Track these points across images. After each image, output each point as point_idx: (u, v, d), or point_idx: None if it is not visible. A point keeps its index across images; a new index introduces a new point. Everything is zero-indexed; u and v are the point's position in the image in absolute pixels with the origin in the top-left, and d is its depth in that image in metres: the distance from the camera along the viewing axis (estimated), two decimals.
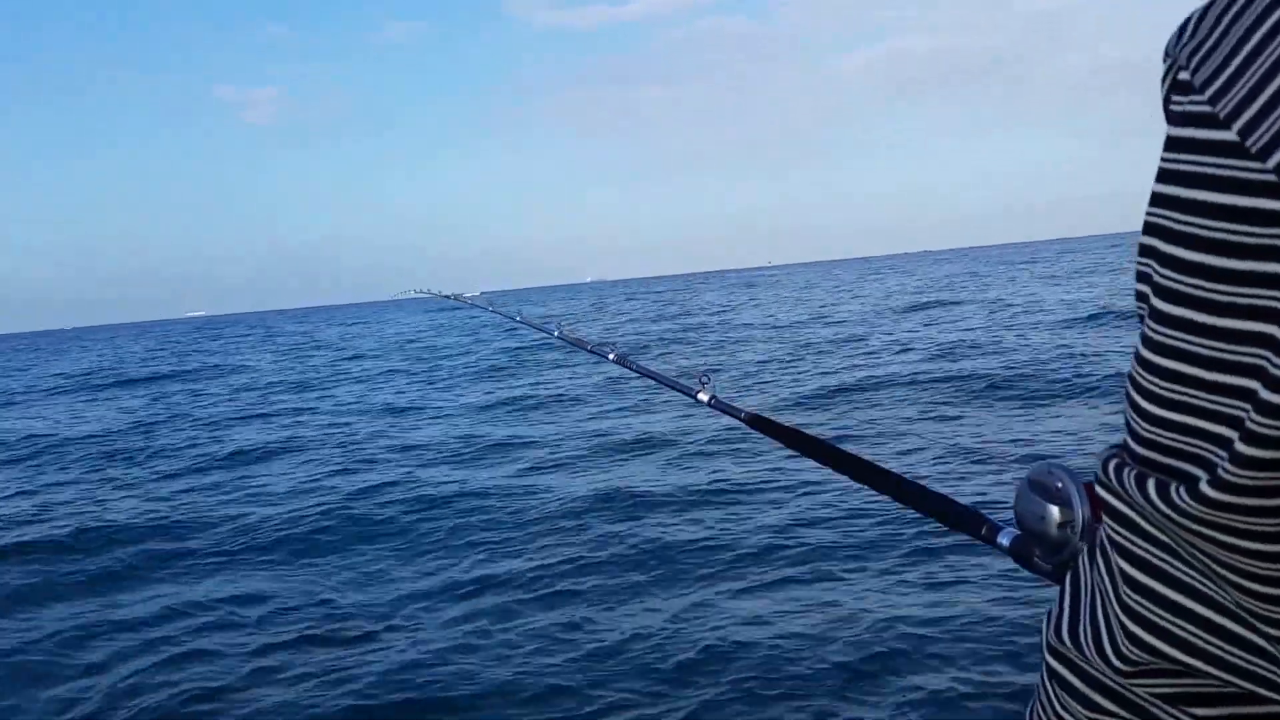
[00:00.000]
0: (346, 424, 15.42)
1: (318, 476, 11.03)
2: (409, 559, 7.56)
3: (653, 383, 2.85)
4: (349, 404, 18.40)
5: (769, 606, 5.77)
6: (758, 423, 2.05)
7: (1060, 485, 1.03)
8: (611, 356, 3.38)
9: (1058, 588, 0.64)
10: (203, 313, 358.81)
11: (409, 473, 10.67)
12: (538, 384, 18.61)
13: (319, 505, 9.39)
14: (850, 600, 5.72)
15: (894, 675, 4.72)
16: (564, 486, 9.36)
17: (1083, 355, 14.37)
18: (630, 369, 3.12)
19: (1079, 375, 12.64)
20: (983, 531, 1.22)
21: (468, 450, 11.94)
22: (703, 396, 2.38)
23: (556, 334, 4.43)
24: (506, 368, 22.61)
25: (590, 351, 3.71)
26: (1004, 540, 1.17)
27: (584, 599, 6.22)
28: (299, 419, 16.64)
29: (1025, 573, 1.13)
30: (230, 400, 21.13)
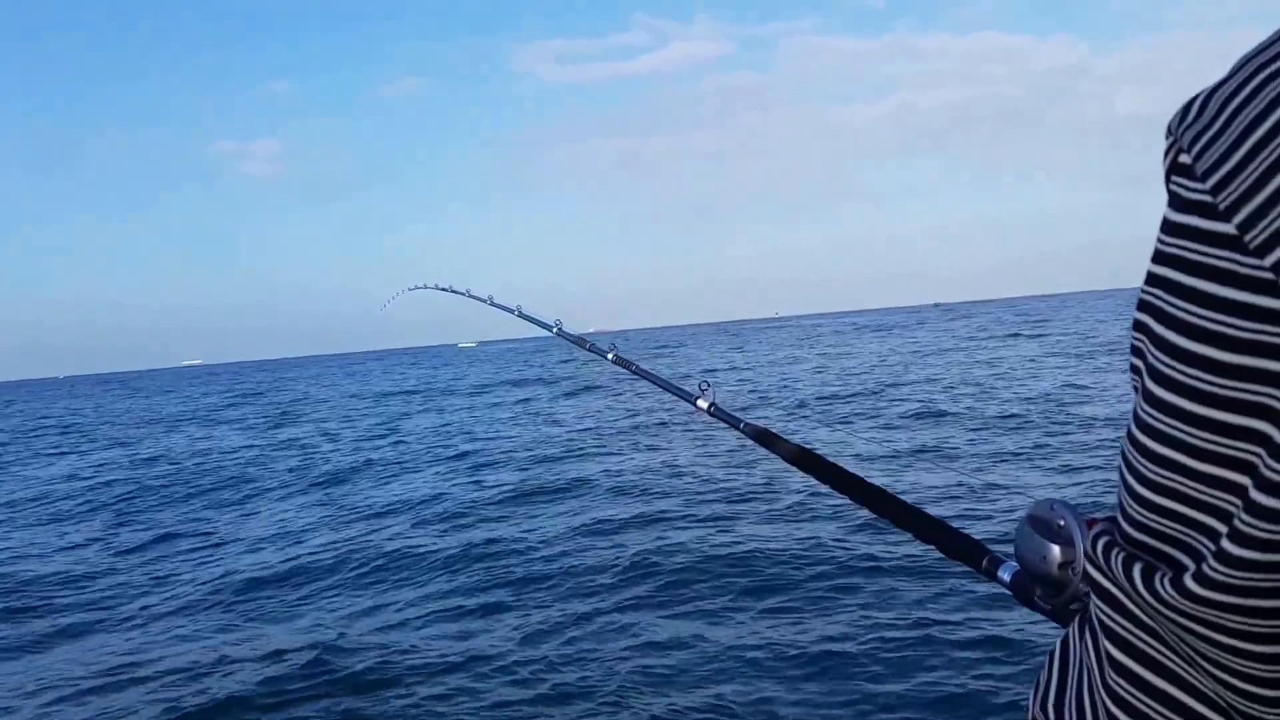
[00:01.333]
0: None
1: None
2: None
3: (651, 385, 2.82)
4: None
5: (750, 630, 5.76)
6: (759, 435, 2.01)
7: (1062, 523, 1.01)
8: (610, 356, 3.36)
9: (1044, 659, 0.63)
10: (199, 361, 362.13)
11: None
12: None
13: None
14: (840, 622, 5.68)
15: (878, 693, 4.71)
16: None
17: None
18: (630, 369, 3.07)
19: None
20: (983, 564, 1.20)
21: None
22: (702, 404, 2.33)
23: (555, 331, 4.41)
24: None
25: (589, 350, 3.68)
26: (1004, 575, 1.14)
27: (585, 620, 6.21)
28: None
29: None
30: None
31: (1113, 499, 0.52)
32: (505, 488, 10.53)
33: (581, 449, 13.24)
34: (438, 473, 12.53)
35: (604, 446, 13.18)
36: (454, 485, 11.25)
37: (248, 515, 10.89)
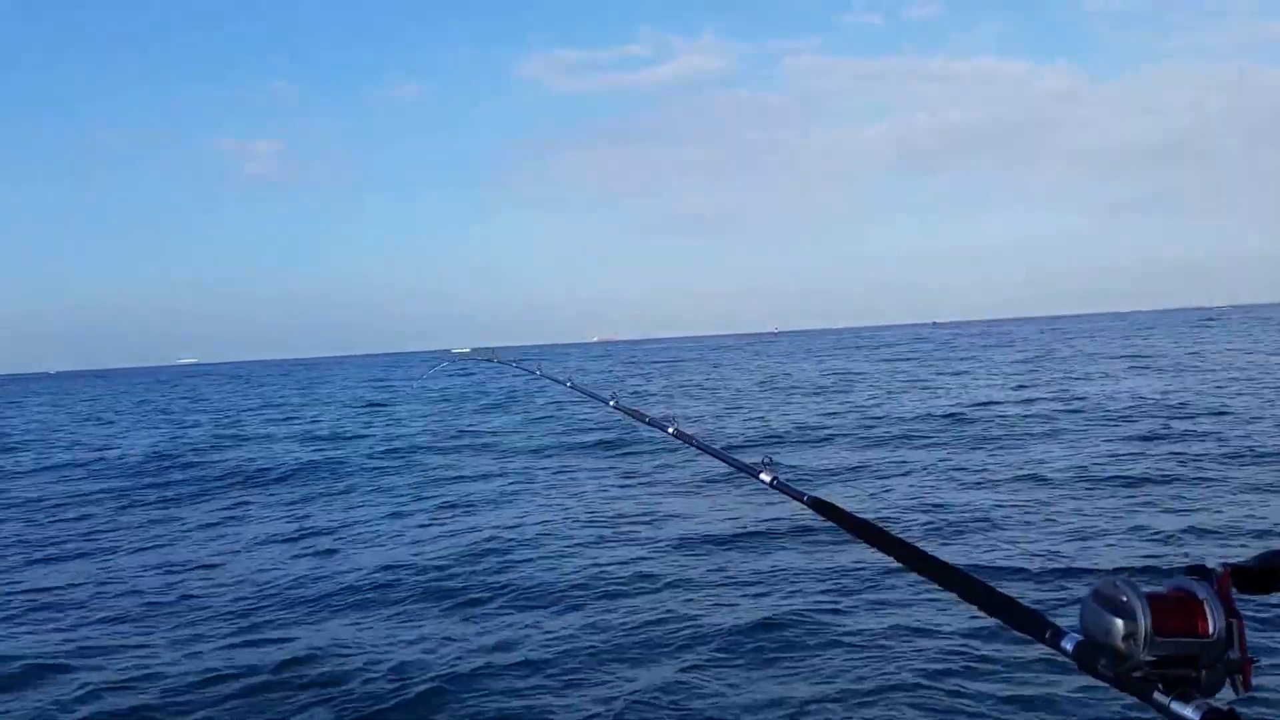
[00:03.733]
0: None
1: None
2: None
3: (712, 459, 2.88)
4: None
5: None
6: (820, 506, 2.08)
7: (1125, 599, 1.14)
8: (671, 430, 3.34)
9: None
10: (194, 359, 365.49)
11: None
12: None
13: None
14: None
15: None
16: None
17: None
18: (691, 444, 3.08)
19: None
20: (1047, 635, 1.29)
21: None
22: (765, 477, 2.42)
23: (612, 404, 4.46)
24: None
25: (648, 423, 3.71)
26: (1068, 645, 1.24)
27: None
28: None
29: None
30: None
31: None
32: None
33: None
34: None
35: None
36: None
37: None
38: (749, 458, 2.62)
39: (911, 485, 12.16)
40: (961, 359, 43.53)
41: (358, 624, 7.66)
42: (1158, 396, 20.18)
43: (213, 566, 10.13)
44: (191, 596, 8.88)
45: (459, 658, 6.64)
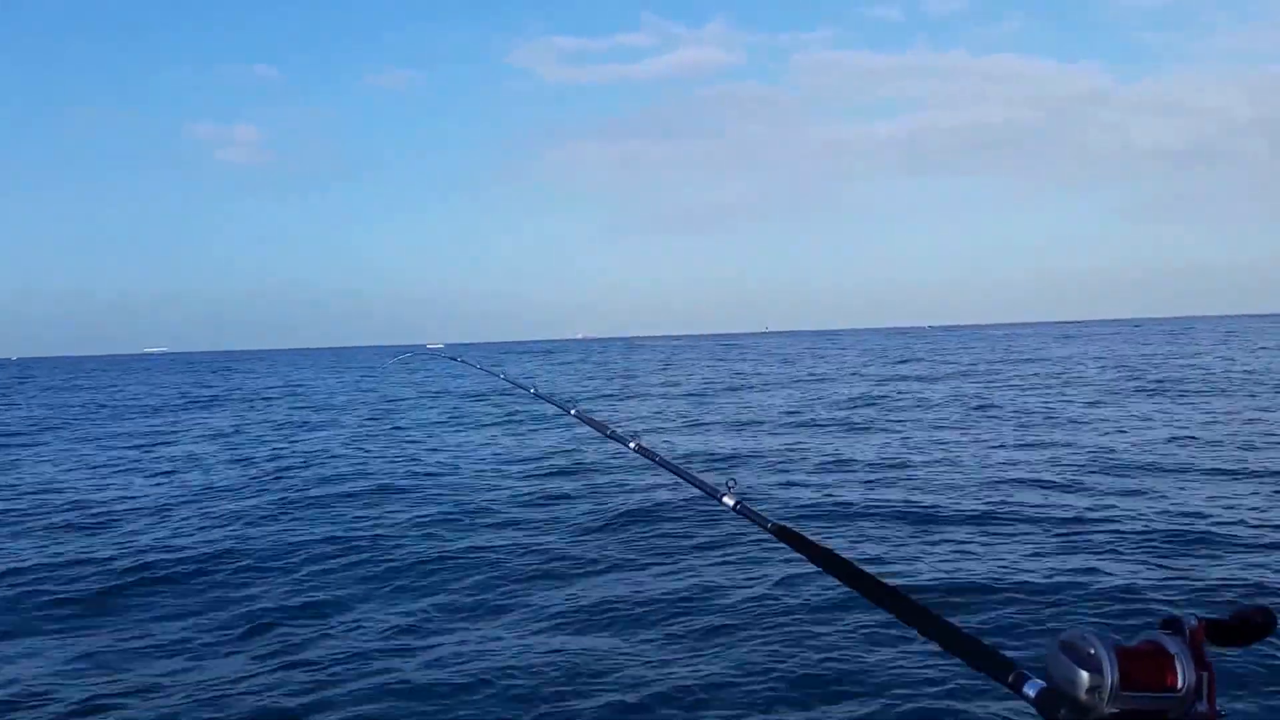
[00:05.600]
0: None
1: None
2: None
3: (674, 476, 2.86)
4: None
5: None
6: (784, 534, 2.05)
7: (1093, 652, 1.13)
8: (633, 445, 3.32)
9: None
10: (163, 349, 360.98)
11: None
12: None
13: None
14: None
15: None
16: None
17: None
18: (653, 460, 3.03)
19: None
20: (1009, 679, 1.28)
21: None
22: (728, 500, 2.38)
23: (573, 413, 4.44)
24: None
25: (609, 437, 3.69)
26: (1030, 691, 1.23)
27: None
28: None
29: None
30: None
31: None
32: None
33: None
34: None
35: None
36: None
37: None
38: (712, 479, 2.59)
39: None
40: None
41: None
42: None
43: None
44: None
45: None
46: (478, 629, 7.25)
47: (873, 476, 13.52)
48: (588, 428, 4.21)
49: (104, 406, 38.46)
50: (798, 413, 23.67)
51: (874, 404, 25.07)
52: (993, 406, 23.23)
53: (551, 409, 4.63)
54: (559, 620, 7.39)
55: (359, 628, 7.33)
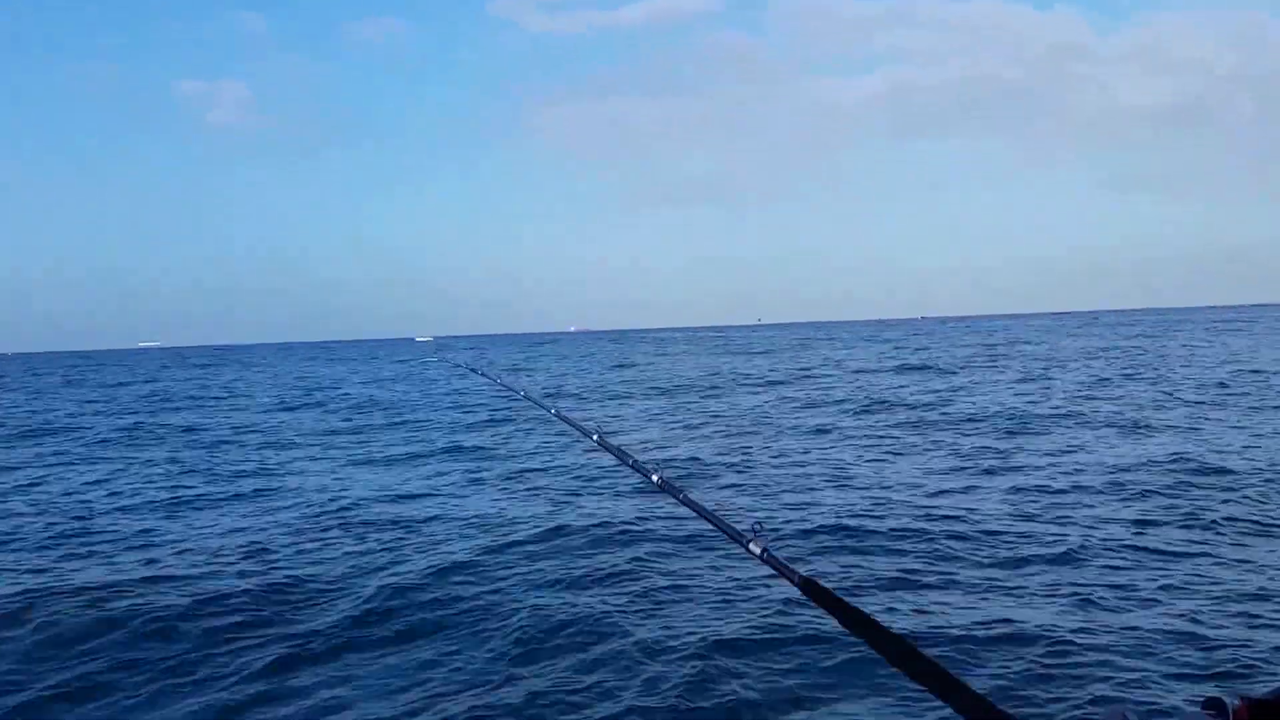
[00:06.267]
0: None
1: None
2: None
3: (698, 517, 2.78)
4: None
5: None
6: (811, 589, 1.96)
7: None
8: (656, 479, 3.17)
9: None
10: (156, 343, 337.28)
11: None
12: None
13: None
14: None
15: None
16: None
17: None
18: (677, 499, 2.91)
19: None
20: None
21: None
22: (754, 548, 2.27)
23: (596, 439, 4.38)
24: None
25: (631, 466, 3.59)
26: None
27: None
28: None
29: None
30: None
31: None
32: None
33: None
34: None
35: None
36: None
37: None
38: (739, 524, 2.52)
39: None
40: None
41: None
42: None
43: None
44: None
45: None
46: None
47: None
48: (609, 455, 4.13)
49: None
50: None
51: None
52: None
53: (573, 432, 4.54)
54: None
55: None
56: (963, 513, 11.00)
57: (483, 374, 7.04)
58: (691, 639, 7.88)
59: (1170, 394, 22.81)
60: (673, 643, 7.69)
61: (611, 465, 3.91)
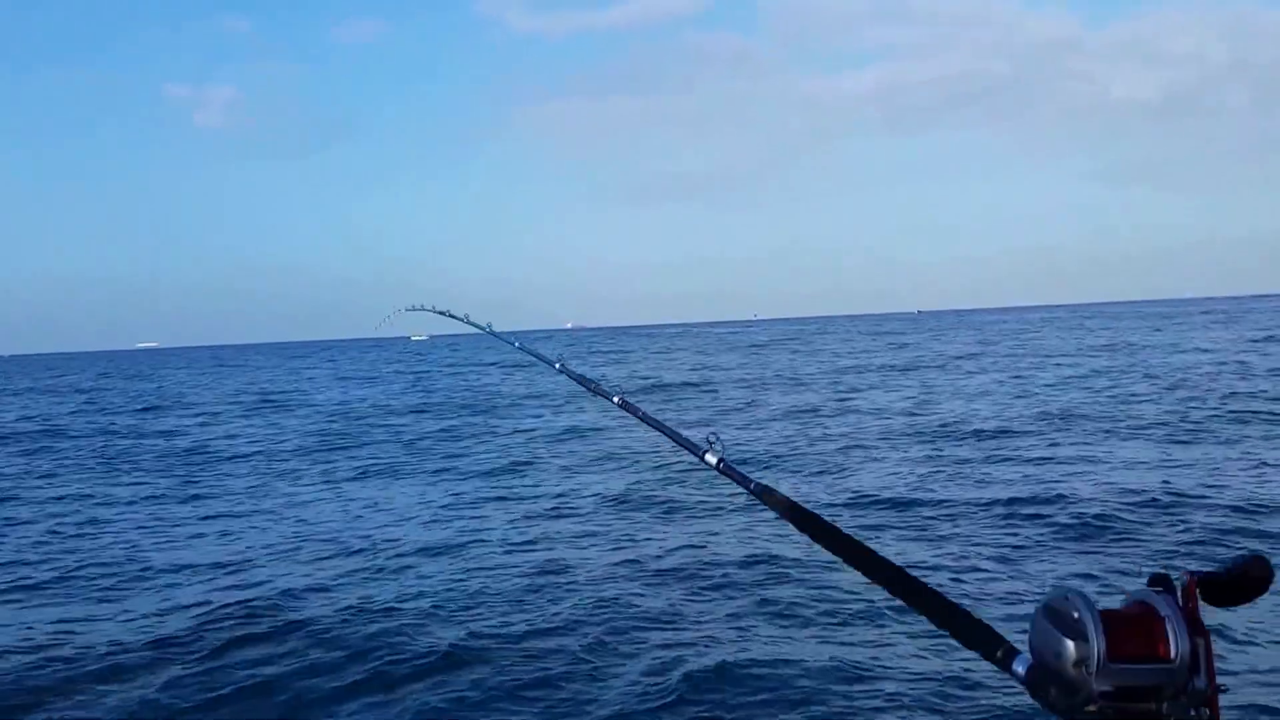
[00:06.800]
0: None
1: None
2: None
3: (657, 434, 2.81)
4: None
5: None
6: (766, 495, 1.98)
7: (1077, 615, 1.01)
8: (617, 400, 3.29)
9: None
10: (154, 344, 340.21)
11: None
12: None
13: None
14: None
15: None
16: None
17: None
18: (636, 416, 2.99)
19: None
20: (998, 654, 1.14)
21: None
22: (710, 458, 2.30)
23: (558, 366, 4.40)
24: None
25: (594, 392, 3.66)
26: (1019, 668, 1.09)
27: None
28: None
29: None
30: None
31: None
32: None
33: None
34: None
35: None
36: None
37: None
38: (695, 436, 2.53)
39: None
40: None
41: None
42: None
43: None
44: None
45: None
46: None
47: None
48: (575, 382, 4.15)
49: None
50: None
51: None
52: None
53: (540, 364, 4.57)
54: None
55: None
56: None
57: (450, 314, 7.01)
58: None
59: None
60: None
61: (578, 391, 3.89)
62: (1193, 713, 0.99)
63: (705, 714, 5.41)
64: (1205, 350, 33.25)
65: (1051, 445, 14.42)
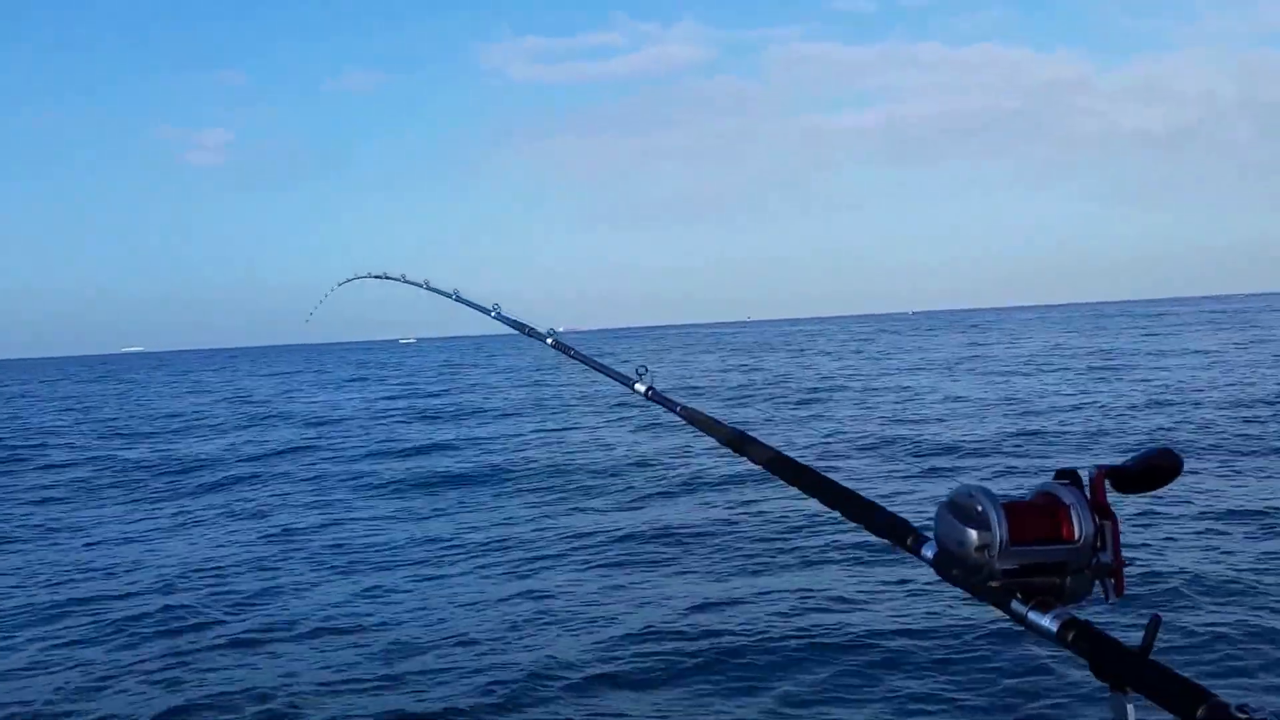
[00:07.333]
0: None
1: None
2: None
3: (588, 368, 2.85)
4: None
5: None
6: (692, 417, 2.08)
7: (980, 509, 1.09)
8: (550, 341, 3.42)
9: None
10: (140, 348, 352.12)
11: None
12: None
13: None
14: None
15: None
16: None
17: None
18: (568, 354, 3.13)
19: None
20: (908, 542, 1.26)
21: None
22: (640, 388, 2.42)
23: (494, 314, 4.41)
24: None
25: (528, 334, 3.70)
26: (927, 553, 1.20)
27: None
28: None
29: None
30: None
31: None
32: None
33: None
34: None
35: None
36: None
37: None
38: (625, 370, 2.58)
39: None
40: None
41: None
42: None
43: None
44: None
45: None
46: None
47: None
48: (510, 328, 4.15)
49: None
50: None
51: None
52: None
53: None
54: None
55: None
56: None
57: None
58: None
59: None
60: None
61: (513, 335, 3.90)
62: (1098, 584, 1.09)
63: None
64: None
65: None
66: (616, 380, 2.59)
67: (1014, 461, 11.04)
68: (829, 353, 41.78)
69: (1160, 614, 1.02)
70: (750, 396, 22.63)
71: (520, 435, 17.45)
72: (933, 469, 11.58)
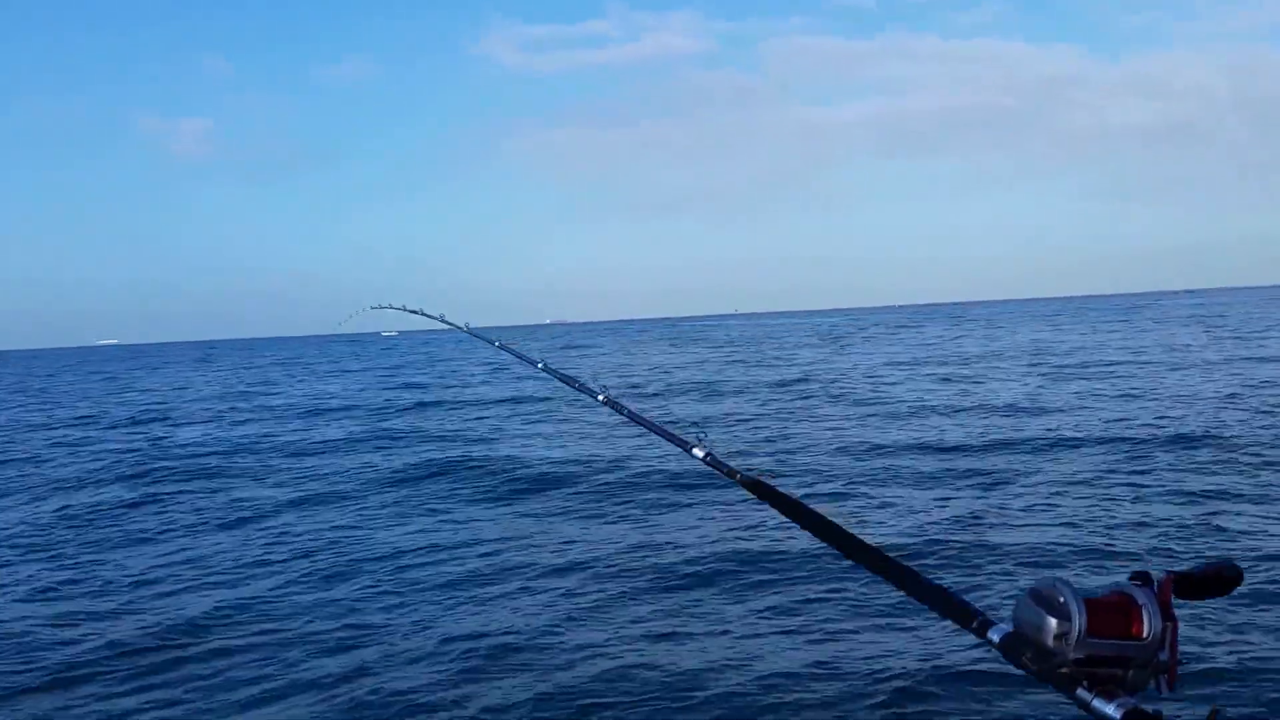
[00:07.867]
0: None
1: None
2: None
3: (644, 430, 2.85)
4: None
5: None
6: (754, 486, 2.07)
7: (1062, 600, 1.19)
8: (601, 399, 3.28)
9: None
10: (114, 341, 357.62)
11: None
12: None
13: None
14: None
15: None
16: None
17: None
18: (622, 414, 3.02)
19: None
20: (974, 625, 1.32)
21: None
22: (698, 452, 2.38)
23: (541, 366, 4.41)
24: None
25: (578, 389, 3.65)
26: (994, 636, 1.28)
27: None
28: None
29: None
30: None
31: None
32: None
33: None
34: None
35: None
36: None
37: None
38: (682, 432, 2.59)
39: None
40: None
41: None
42: None
43: None
44: None
45: None
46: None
47: None
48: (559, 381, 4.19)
49: None
50: None
51: None
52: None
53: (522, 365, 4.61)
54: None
55: None
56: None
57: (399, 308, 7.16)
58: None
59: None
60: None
61: (560, 388, 3.96)
62: (1153, 679, 1.19)
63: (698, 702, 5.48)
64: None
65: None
66: (673, 443, 2.59)
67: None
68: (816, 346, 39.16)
69: (1219, 705, 1.12)
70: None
71: (504, 429, 18.38)
72: (933, 469, 11.89)
